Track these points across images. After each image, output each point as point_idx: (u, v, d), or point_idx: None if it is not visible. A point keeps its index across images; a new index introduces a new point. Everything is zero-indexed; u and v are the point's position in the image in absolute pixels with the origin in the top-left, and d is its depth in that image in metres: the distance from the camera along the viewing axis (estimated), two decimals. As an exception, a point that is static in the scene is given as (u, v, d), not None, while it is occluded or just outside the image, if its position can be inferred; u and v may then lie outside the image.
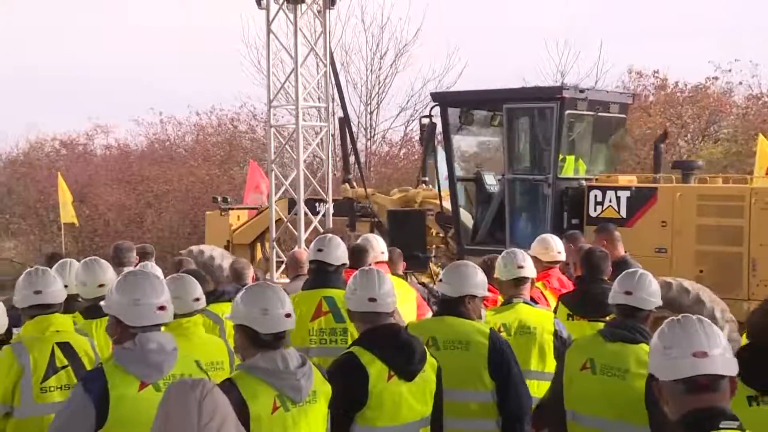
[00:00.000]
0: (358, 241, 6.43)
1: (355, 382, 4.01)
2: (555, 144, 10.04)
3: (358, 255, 6.07)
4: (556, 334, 5.23)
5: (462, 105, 10.90)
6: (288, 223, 11.19)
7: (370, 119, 25.64)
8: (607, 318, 4.96)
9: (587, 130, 10.72)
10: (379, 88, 25.42)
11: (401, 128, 26.07)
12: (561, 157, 10.21)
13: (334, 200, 11.88)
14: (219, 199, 13.90)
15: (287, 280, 7.15)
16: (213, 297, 5.96)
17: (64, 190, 18.80)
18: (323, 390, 3.70)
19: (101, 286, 5.22)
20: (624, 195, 9.65)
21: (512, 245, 8.52)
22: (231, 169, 25.28)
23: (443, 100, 11.16)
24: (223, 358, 4.87)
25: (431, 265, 11.08)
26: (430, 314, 6.13)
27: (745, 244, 9.02)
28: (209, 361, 4.80)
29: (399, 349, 4.11)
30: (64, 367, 4.38)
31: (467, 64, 26.54)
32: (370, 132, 25.66)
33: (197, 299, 4.98)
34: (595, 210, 9.85)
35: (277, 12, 10.39)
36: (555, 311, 5.89)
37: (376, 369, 4.03)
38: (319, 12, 10.74)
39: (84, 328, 4.86)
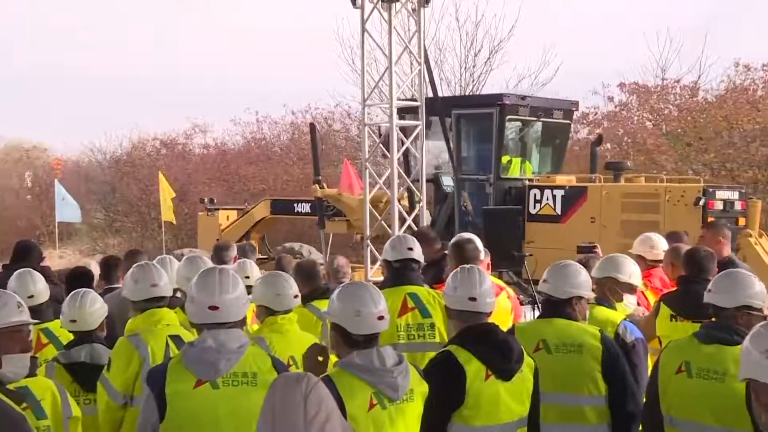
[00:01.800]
0: (462, 238, 6.42)
1: (453, 381, 3.99)
2: (496, 146, 10.92)
3: (458, 251, 6.06)
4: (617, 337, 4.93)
5: (416, 112, 11.24)
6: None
7: (464, 117, 25.53)
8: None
9: (532, 134, 11.41)
10: (473, 86, 25.29)
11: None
12: (508, 158, 11.01)
13: (306, 200, 12.91)
14: (205, 200, 14.97)
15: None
16: (319, 292, 6.04)
17: (166, 188, 19.27)
18: (420, 389, 3.68)
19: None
20: (559, 194, 10.32)
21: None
22: (325, 168, 25.52)
23: (400, 107, 11.70)
24: (319, 356, 4.91)
25: None
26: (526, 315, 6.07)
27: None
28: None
29: (496, 349, 4.08)
30: None
31: (563, 61, 26.20)
32: (464, 129, 25.57)
33: (295, 296, 5.04)
34: (535, 207, 10.63)
35: (372, 11, 10.44)
36: (657, 312, 5.76)
37: (473, 368, 4.01)
38: (413, 10, 10.74)
39: (185, 323, 4.99)
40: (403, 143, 10.82)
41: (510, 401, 4.06)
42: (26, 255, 7.61)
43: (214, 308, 3.64)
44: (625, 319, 5.16)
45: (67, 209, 23.52)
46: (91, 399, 4.63)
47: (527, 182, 11.00)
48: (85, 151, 36.83)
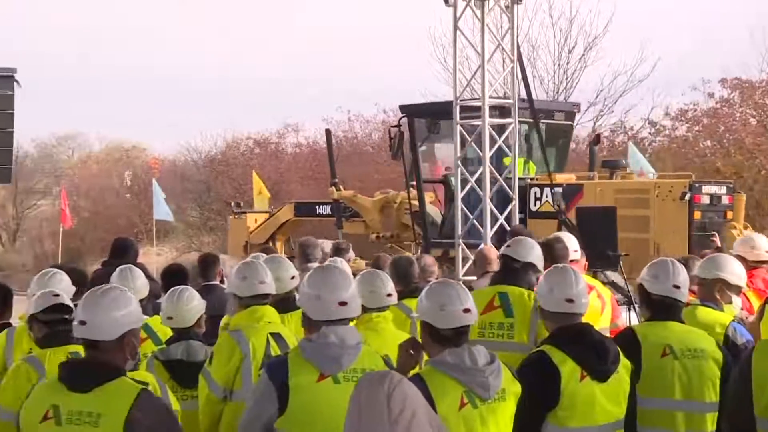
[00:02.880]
0: (550, 237, 6.32)
1: (547, 381, 3.94)
2: (497, 147, 11.11)
3: (547, 251, 5.97)
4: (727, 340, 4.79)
5: (425, 115, 12.06)
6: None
7: (557, 115, 25.19)
8: None
9: (534, 135, 11.73)
10: (566, 83, 24.95)
11: (589, 124, 25.46)
12: (509, 160, 11.26)
13: (327, 203, 13.27)
14: (233, 204, 15.73)
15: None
16: (408, 291, 6.04)
17: (261, 187, 19.55)
18: (513, 389, 3.66)
19: (293, 278, 5.42)
20: (558, 191, 10.56)
21: (469, 237, 10.60)
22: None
23: (410, 111, 12.30)
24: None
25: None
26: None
27: (651, 231, 10.32)
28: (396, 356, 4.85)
29: (591, 349, 4.01)
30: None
31: (661, 57, 25.54)
32: (557, 128, 25.21)
33: (389, 294, 5.05)
34: (535, 205, 11.16)
35: (464, 9, 10.38)
36: (761, 315, 5.55)
37: (568, 368, 3.95)
38: (506, 7, 10.63)
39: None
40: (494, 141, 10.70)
41: (606, 402, 3.98)
42: (123, 252, 7.81)
43: (343, 304, 3.69)
44: (733, 320, 4.99)
45: (163, 207, 24.13)
46: (188, 395, 4.72)
47: (528, 181, 11.48)
48: (181, 151, 37.75)
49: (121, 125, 69.15)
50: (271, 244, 14.01)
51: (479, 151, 10.53)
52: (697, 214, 10.04)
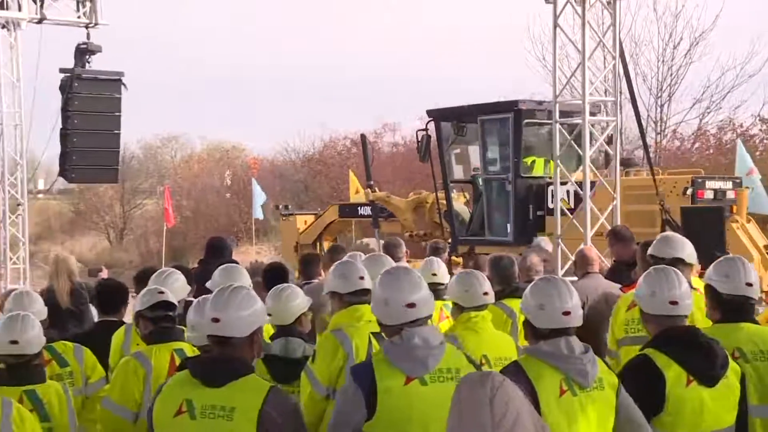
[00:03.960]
0: (646, 239, 6.16)
1: (651, 386, 3.83)
2: (514, 148, 11.89)
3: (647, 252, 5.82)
4: None
5: (451, 119, 12.62)
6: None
7: (660, 112, 24.57)
8: None
9: (547, 136, 12.07)
10: (671, 80, 24.31)
11: (695, 121, 24.76)
12: (533, 159, 12.00)
13: (367, 204, 13.78)
14: (281, 207, 16.46)
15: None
16: (509, 291, 5.97)
17: (358, 185, 19.68)
18: (610, 380, 3.61)
19: None
20: (572, 189, 10.84)
21: (490, 235, 11.61)
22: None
23: (436, 115, 12.86)
24: (512, 354, 4.84)
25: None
26: None
27: (657, 226, 10.46)
28: (497, 356, 4.81)
29: (698, 353, 3.88)
30: None
31: (773, 50, 24.64)
32: (660, 126, 24.57)
33: (486, 293, 5.00)
34: (552, 202, 11.24)
35: (564, 6, 10.21)
36: None
37: (673, 373, 3.83)
38: (608, 3, 10.42)
39: None
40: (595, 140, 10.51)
41: (715, 409, 3.86)
42: (220, 251, 7.94)
43: (411, 306, 3.66)
44: None
45: (259, 206, 24.50)
46: (285, 391, 4.74)
47: (547, 179, 11.79)
48: (280, 151, 38.30)
49: (221, 126, 70.75)
50: (318, 244, 14.82)
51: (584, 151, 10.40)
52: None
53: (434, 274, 6.02)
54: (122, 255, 37.54)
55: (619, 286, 6.48)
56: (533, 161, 12.26)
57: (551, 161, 11.85)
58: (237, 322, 3.52)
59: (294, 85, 70.51)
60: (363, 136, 15.11)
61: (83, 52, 14.79)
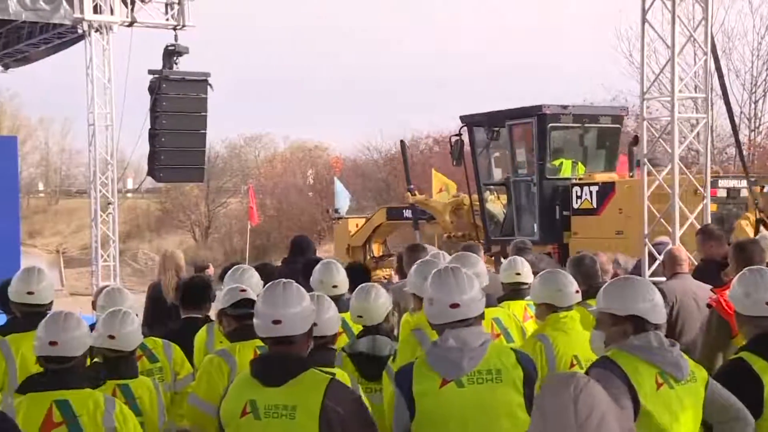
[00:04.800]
0: (743, 239, 5.98)
1: (747, 392, 3.70)
2: (538, 151, 12.28)
3: (740, 253, 5.65)
4: None
5: (483, 124, 13.13)
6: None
7: (754, 108, 23.86)
8: None
9: (581, 138, 12.88)
10: (766, 75, 23.58)
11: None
12: (560, 161, 12.43)
13: (407, 207, 14.40)
14: (330, 211, 17.51)
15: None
16: (594, 291, 5.86)
17: (445, 182, 19.60)
18: (700, 374, 3.56)
19: (477, 276, 5.38)
20: (594, 189, 11.58)
21: (519, 235, 11.72)
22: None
23: (469, 120, 13.41)
24: (602, 356, 4.75)
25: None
26: None
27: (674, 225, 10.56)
28: (589, 357, 4.70)
29: None
30: None
31: None
32: (754, 123, 23.85)
33: (577, 291, 4.94)
34: (576, 203, 11.91)
35: (653, 0, 9.98)
36: None
37: (772, 377, 3.71)
38: (699, -3, 10.14)
39: None
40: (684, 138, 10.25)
41: None
42: (303, 249, 7.99)
43: (455, 306, 3.64)
44: None
45: (344, 206, 24.59)
46: (372, 388, 4.75)
47: (575, 180, 12.32)
48: (362, 150, 38.49)
49: (304, 126, 71.48)
50: (367, 246, 15.31)
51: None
52: (714, 207, 10.35)
53: (518, 274, 5.97)
54: (207, 253, 38.23)
55: (710, 287, 6.30)
56: (561, 163, 12.66)
57: (579, 163, 12.65)
58: (298, 319, 3.55)
59: (377, 84, 70.86)
60: (402, 143, 15.88)
61: (171, 53, 15.12)
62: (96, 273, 15.41)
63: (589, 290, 5.88)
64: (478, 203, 13.49)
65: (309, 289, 5.36)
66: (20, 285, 5.21)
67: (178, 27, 15.18)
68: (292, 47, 77.42)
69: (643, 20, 10.21)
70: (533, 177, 12.48)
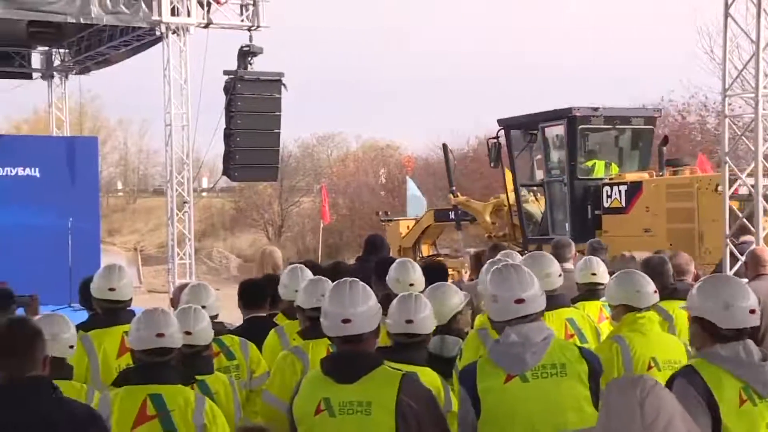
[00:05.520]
0: None
1: None
2: (569, 152, 12.66)
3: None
4: None
5: (519, 127, 13.57)
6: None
7: None
8: None
9: (614, 140, 13.29)
10: None
11: None
12: (593, 162, 12.86)
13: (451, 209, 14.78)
14: (380, 214, 18.18)
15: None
16: (667, 292, 5.74)
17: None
18: None
19: (549, 276, 5.31)
20: (623, 189, 12.01)
21: (554, 234, 12.34)
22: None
23: (506, 124, 13.76)
24: (682, 358, 4.64)
25: None
26: None
27: (695, 222, 11.27)
28: (666, 359, 4.63)
29: None
30: None
31: None
32: None
33: (655, 292, 4.85)
34: (607, 202, 12.33)
35: (737, -6, 9.73)
36: None
37: None
38: (785, -11, 9.83)
39: None
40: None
41: None
42: (377, 248, 8.03)
43: (520, 302, 3.64)
44: None
45: (416, 205, 24.59)
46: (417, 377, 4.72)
47: (608, 180, 12.67)
48: (433, 149, 38.37)
49: (376, 125, 71.73)
50: (417, 247, 15.78)
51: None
52: (736, 204, 10.45)
53: (593, 274, 5.88)
54: (280, 252, 38.56)
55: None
56: (594, 164, 13.04)
57: (612, 163, 13.03)
58: (366, 317, 3.57)
59: (449, 83, 70.73)
60: (444, 146, 16.15)
61: (245, 54, 15.31)
62: (172, 271, 15.70)
63: (662, 292, 5.76)
64: (510, 204, 13.96)
65: (383, 287, 5.39)
66: (102, 282, 5.31)
67: (252, 28, 15.36)
68: (365, 46, 77.89)
69: (726, 15, 9.96)
70: (564, 178, 12.89)
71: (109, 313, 5.27)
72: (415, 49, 79.64)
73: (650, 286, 4.84)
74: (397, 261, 5.82)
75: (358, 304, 3.58)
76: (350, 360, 3.56)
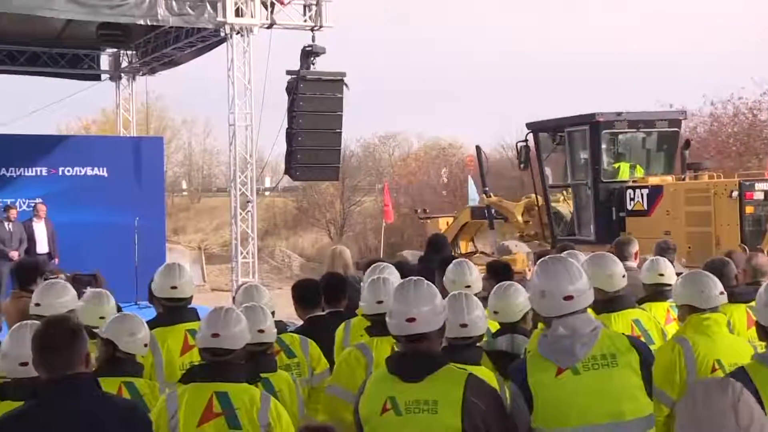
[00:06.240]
0: None
1: None
2: (592, 156, 13.17)
3: None
4: None
5: (546, 131, 14.07)
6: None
7: None
8: None
9: (638, 143, 13.64)
10: None
11: None
12: (618, 165, 13.24)
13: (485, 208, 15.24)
14: (418, 211, 18.74)
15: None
16: (731, 296, 5.59)
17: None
18: None
19: (624, 276, 5.25)
20: (645, 192, 12.51)
21: (579, 235, 13.18)
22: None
23: (534, 127, 14.26)
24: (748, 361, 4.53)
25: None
26: None
27: (712, 225, 11.76)
28: (732, 362, 4.51)
29: None
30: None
31: None
32: None
33: (722, 293, 4.77)
34: (630, 204, 12.77)
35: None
36: None
37: None
38: None
39: None
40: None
41: None
42: (440, 247, 8.05)
43: (569, 298, 3.62)
44: None
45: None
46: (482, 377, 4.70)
47: (632, 182, 13.08)
48: (496, 148, 38.14)
49: (438, 123, 71.59)
50: (455, 243, 15.94)
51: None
52: (750, 209, 10.97)
53: (661, 275, 5.79)
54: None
55: None
56: (619, 167, 13.42)
57: (638, 166, 13.39)
58: (431, 316, 3.57)
59: (511, 82, 70.25)
60: (478, 147, 16.54)
61: (308, 54, 15.39)
62: (235, 269, 15.87)
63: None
64: (547, 205, 14.43)
65: (443, 287, 5.37)
66: (163, 280, 5.38)
67: (315, 28, 15.44)
68: (426, 45, 77.69)
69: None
70: (588, 180, 13.37)
71: (172, 311, 5.34)
72: (479, 48, 79.35)
73: (715, 288, 4.75)
74: (453, 262, 5.81)
75: (422, 303, 3.59)
76: (416, 359, 3.57)
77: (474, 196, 24.43)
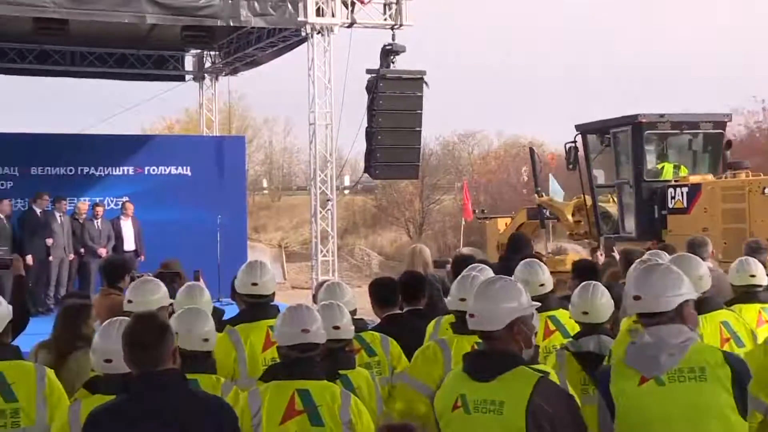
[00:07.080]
0: None
1: None
2: (634, 156, 13.36)
3: None
4: None
5: (593, 132, 14.28)
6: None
7: None
8: None
9: (682, 144, 13.86)
10: None
11: None
12: (662, 165, 13.50)
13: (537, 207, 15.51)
14: (477, 211, 19.62)
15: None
16: None
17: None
18: None
19: (701, 278, 5.13)
20: (685, 191, 12.77)
21: (623, 232, 13.53)
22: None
23: (582, 129, 14.49)
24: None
25: None
26: None
27: (746, 222, 11.96)
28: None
29: None
30: None
31: None
32: None
33: None
34: (671, 203, 13.03)
35: None
36: None
37: None
38: None
39: None
40: None
41: None
42: (521, 247, 8.07)
43: (637, 298, 3.57)
44: None
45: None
46: (592, 390, 4.62)
47: (674, 182, 13.26)
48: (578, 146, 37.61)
49: (518, 121, 71.07)
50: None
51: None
52: None
53: (752, 276, 5.60)
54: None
55: None
56: (663, 167, 13.59)
57: (682, 166, 13.64)
58: (491, 314, 3.55)
59: (591, 81, 69.29)
60: (531, 149, 16.94)
61: (388, 52, 15.40)
62: (315, 267, 15.98)
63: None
64: (601, 204, 14.64)
65: None
66: (246, 277, 5.44)
67: (395, 26, 15.44)
68: (505, 44, 77.15)
69: None
70: (630, 180, 13.60)
71: (254, 307, 5.39)
72: (558, 45, 78.44)
73: None
74: (523, 262, 5.73)
75: (486, 301, 3.60)
76: (487, 358, 3.58)
77: (557, 194, 24.18)
